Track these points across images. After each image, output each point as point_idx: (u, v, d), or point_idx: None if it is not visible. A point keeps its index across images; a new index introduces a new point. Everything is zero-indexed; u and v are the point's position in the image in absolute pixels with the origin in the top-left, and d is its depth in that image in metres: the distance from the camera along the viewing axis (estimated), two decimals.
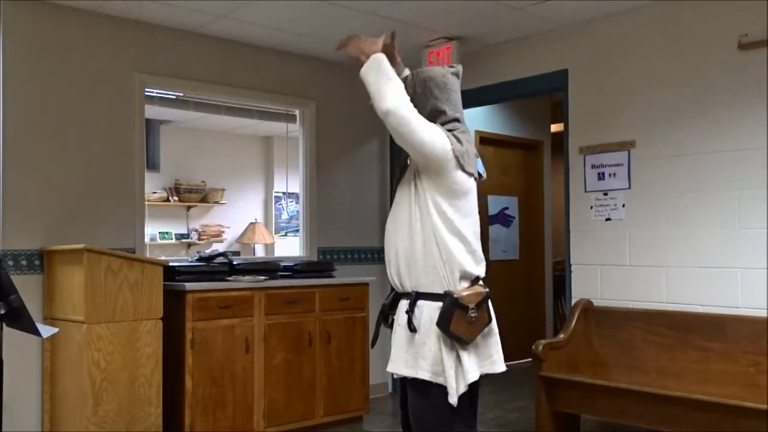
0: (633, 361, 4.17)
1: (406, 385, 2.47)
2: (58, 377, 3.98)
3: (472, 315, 2.34)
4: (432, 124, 2.36)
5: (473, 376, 2.38)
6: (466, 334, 2.35)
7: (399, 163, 2.61)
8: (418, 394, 2.41)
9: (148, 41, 4.59)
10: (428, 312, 2.37)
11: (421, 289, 2.38)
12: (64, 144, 4.24)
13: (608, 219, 4.50)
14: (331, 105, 5.53)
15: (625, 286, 4.40)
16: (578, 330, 4.36)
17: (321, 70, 5.47)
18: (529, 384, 4.51)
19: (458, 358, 2.36)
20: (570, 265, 4.69)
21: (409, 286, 2.43)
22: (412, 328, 2.38)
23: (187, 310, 4.09)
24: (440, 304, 2.35)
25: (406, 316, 2.40)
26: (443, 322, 2.32)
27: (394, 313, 2.52)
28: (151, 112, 5.54)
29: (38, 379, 4.06)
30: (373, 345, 2.68)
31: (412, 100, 2.34)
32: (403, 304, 2.44)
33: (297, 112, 5.56)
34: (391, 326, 2.54)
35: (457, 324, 2.32)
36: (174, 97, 5.85)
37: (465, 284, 2.39)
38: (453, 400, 2.33)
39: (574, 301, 4.59)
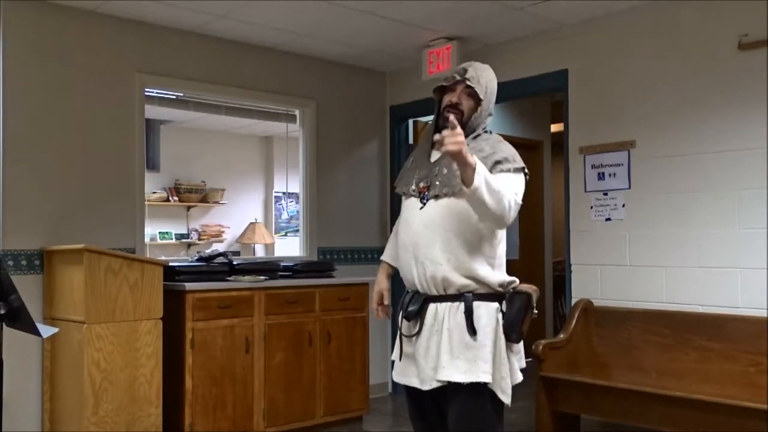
0: (633, 361, 4.16)
1: (449, 390, 2.36)
2: (58, 377, 3.98)
3: (536, 312, 2.40)
4: (518, 182, 2.51)
5: (520, 375, 2.44)
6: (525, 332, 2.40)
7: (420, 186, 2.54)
8: (473, 398, 2.33)
9: (148, 41, 4.59)
10: (487, 313, 2.36)
11: (481, 290, 2.35)
12: (64, 144, 4.24)
13: (608, 219, 4.50)
14: (331, 105, 5.52)
15: (625, 286, 4.40)
16: (578, 330, 4.36)
17: (321, 70, 5.46)
18: (529, 384, 4.50)
19: (509, 358, 2.39)
20: (570, 265, 4.69)
21: (457, 288, 2.38)
22: (472, 330, 2.32)
23: (187, 310, 4.09)
24: (497, 304, 2.37)
25: (462, 319, 2.33)
26: (519, 323, 2.33)
27: (420, 319, 2.44)
28: (151, 112, 5.54)
29: (38, 379, 4.06)
30: (401, 358, 2.55)
31: (481, 100, 2.51)
32: (447, 307, 2.38)
33: (297, 112, 5.55)
34: (418, 334, 2.44)
35: (527, 323, 2.38)
36: (174, 97, 5.85)
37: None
38: (508, 400, 2.36)
39: (574, 301, 4.58)
